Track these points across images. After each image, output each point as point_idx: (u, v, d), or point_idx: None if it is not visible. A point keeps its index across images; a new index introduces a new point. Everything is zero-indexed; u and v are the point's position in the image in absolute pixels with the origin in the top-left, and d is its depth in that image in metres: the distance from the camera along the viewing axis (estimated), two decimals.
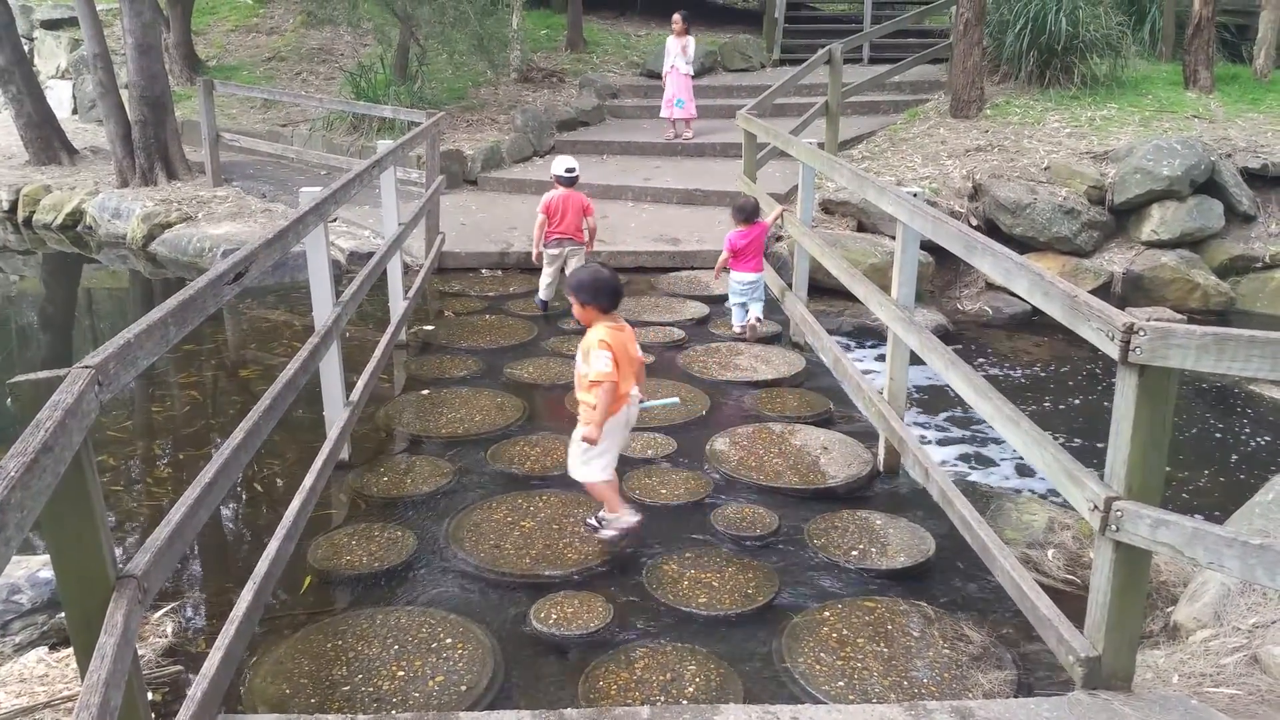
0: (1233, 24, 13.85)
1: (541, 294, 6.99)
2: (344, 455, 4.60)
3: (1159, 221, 8.55)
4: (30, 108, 11.80)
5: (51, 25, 15.42)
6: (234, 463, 2.96)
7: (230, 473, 2.93)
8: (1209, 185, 8.72)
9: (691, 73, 11.42)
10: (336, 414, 4.47)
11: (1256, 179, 8.94)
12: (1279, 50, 13.10)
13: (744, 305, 6.46)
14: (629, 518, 3.87)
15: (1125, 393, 2.58)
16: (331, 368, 4.41)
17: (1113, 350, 2.55)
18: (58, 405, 1.94)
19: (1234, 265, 8.61)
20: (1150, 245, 8.58)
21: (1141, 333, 2.47)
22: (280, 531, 3.41)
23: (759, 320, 6.42)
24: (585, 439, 3.72)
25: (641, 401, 3.98)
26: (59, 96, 14.68)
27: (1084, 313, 2.72)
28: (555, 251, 6.85)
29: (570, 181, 6.81)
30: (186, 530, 2.53)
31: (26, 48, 13.70)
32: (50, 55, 15.38)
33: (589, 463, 3.84)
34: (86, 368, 2.14)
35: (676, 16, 11.31)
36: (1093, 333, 2.67)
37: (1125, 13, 12.39)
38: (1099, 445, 5.61)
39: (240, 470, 3.08)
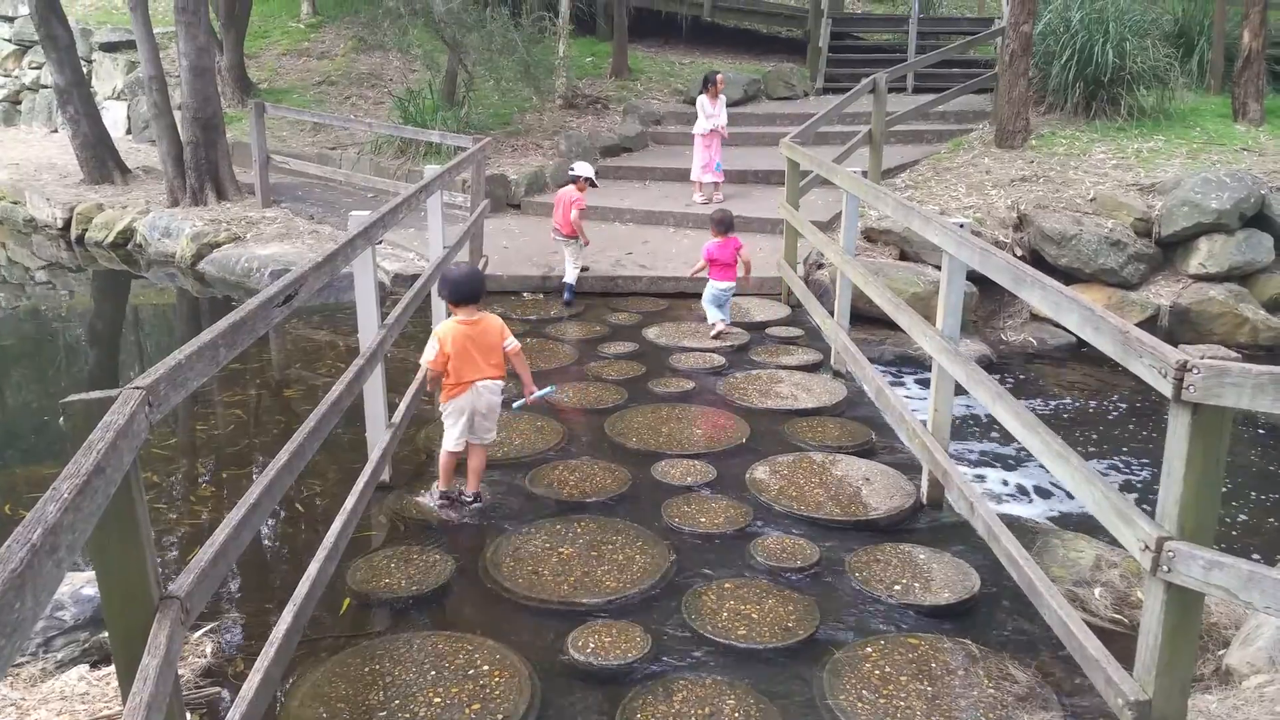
0: None
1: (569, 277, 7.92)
2: (385, 477, 4.63)
3: (1207, 254, 8.40)
4: (86, 128, 12.12)
5: (109, 48, 15.84)
6: (278, 484, 2.98)
7: (274, 494, 2.95)
8: (1258, 218, 8.55)
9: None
10: (379, 435, 4.51)
11: None
12: None
13: (719, 306, 7.07)
14: (437, 495, 4.49)
15: (1178, 431, 2.53)
16: (375, 389, 4.45)
17: (1165, 388, 2.50)
18: (109, 426, 1.96)
19: None
20: (1198, 279, 8.43)
21: (1195, 371, 2.42)
22: (320, 553, 3.43)
23: (723, 324, 7.03)
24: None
25: (520, 401, 4.70)
26: (114, 117, 15.06)
27: (1136, 349, 2.67)
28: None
29: (571, 180, 7.85)
30: (230, 551, 2.55)
31: (85, 69, 14.07)
32: (107, 76, 15.78)
33: (447, 433, 4.46)
34: (138, 389, 2.16)
35: (720, 76, 10.56)
36: (1145, 369, 2.62)
37: (1173, 45, 12.25)
38: (1146, 480, 5.54)
39: (284, 490, 3.11)
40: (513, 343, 4.47)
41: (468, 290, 4.36)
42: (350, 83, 14.69)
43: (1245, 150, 10.05)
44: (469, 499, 4.49)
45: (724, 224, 7.06)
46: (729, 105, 13.76)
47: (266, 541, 4.56)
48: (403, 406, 4.86)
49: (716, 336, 6.97)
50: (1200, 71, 13.20)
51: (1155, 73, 11.20)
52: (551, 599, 3.74)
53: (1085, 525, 4.88)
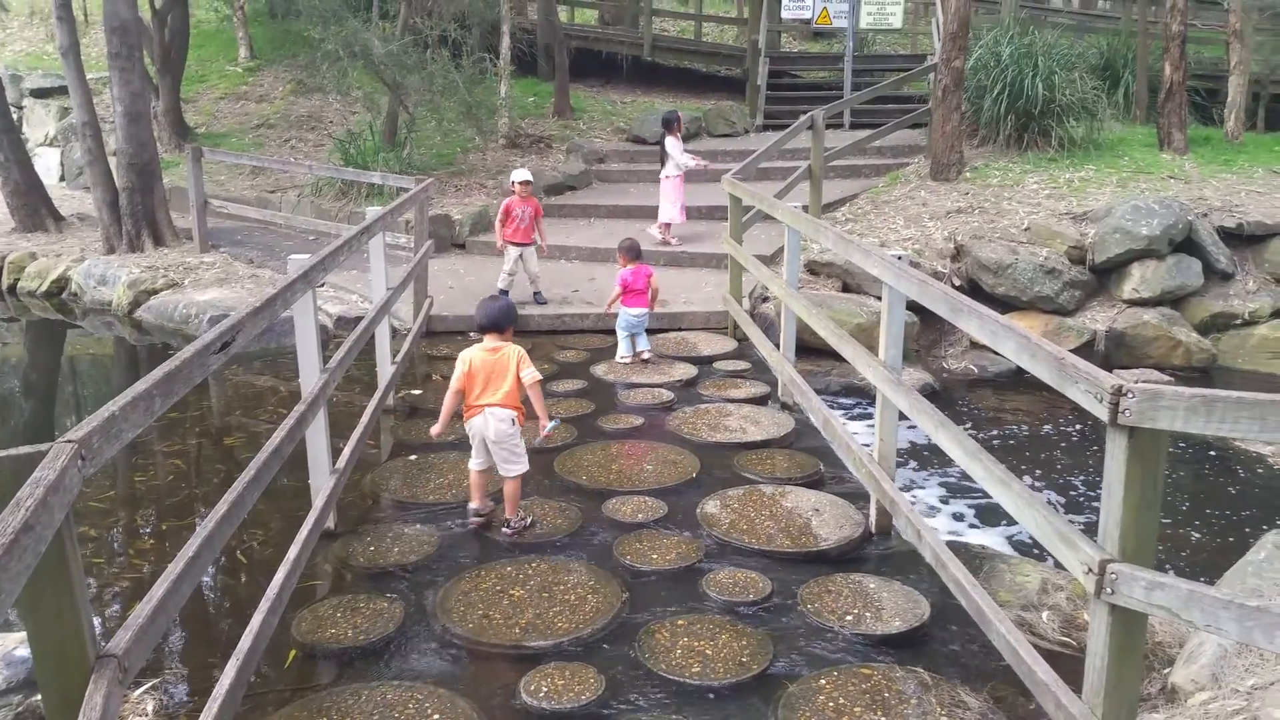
0: (1203, 88, 14.24)
1: (501, 284, 8.31)
2: (330, 524, 4.54)
3: (1140, 280, 8.65)
4: (17, 175, 11.85)
5: (41, 93, 15.57)
6: (218, 535, 2.91)
7: (214, 545, 2.88)
8: (1187, 244, 8.85)
9: None
10: (322, 482, 4.43)
11: (1232, 238, 9.08)
12: (1248, 113, 13.46)
13: (631, 338, 7.29)
14: (473, 515, 4.71)
15: (1115, 455, 2.58)
16: (318, 435, 4.38)
17: (1102, 412, 2.55)
18: (39, 482, 1.91)
19: (1214, 322, 8.70)
20: (1132, 303, 8.67)
21: (1130, 395, 2.47)
22: (264, 605, 3.35)
23: (648, 352, 7.27)
24: (433, 433, 4.83)
25: (538, 439, 4.94)
26: (47, 164, 14.77)
27: (1071, 375, 2.73)
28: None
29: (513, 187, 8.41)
30: (169, 606, 2.48)
31: (15, 116, 13.80)
32: (39, 123, 15.50)
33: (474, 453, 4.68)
34: (69, 442, 2.11)
35: (682, 115, 10.25)
36: (1081, 394, 2.68)
37: (1100, 77, 12.71)
38: (1088, 503, 5.64)
39: (224, 542, 3.03)
40: (530, 374, 4.55)
41: (489, 320, 4.62)
42: (290, 125, 14.59)
43: (1172, 178, 10.41)
44: (509, 529, 4.60)
45: (633, 251, 7.33)
46: None
47: (209, 594, 4.44)
48: (347, 451, 4.78)
49: (631, 360, 7.23)
50: (1126, 103, 13.71)
51: (1084, 105, 11.59)
52: (503, 643, 3.69)
53: (1031, 549, 4.97)
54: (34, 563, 1.78)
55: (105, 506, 5.24)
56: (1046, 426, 7.09)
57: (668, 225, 10.13)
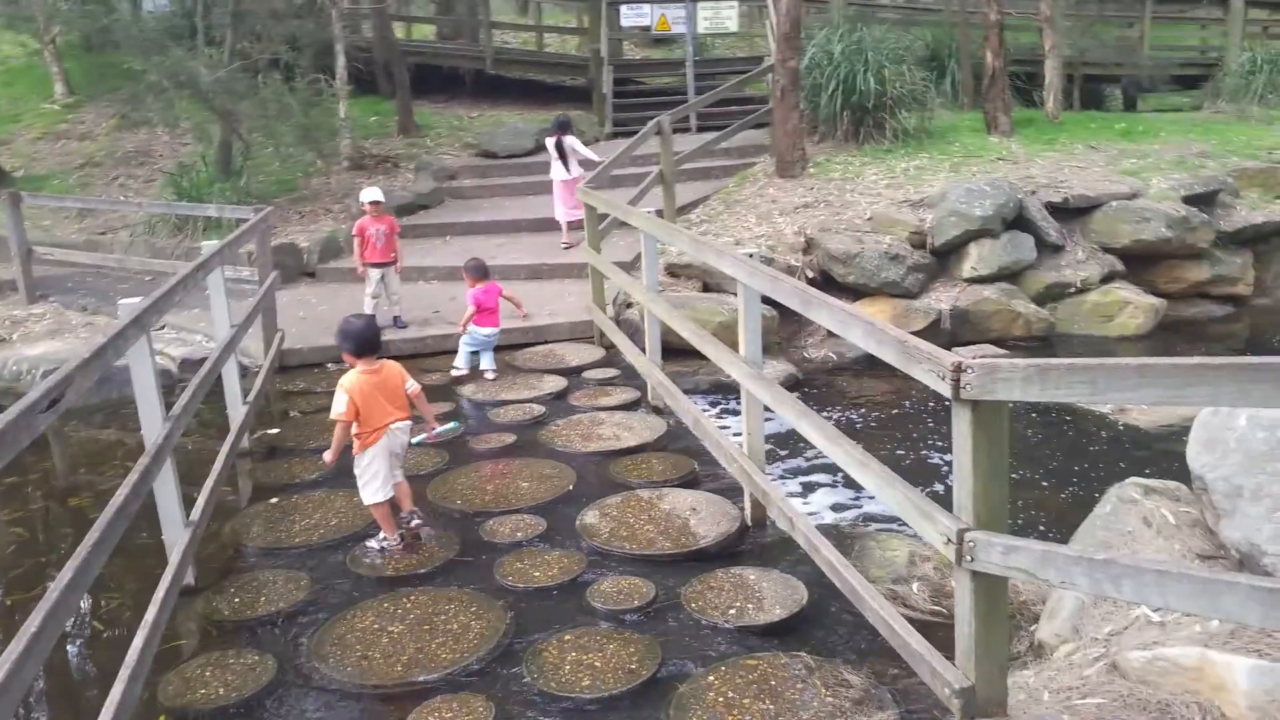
0: (1023, 72, 15.10)
1: (367, 309, 8.01)
2: (189, 579, 4.30)
3: (977, 259, 9.10)
4: None
5: None
6: (63, 605, 2.72)
7: (60, 617, 2.70)
8: (1019, 221, 9.35)
9: None
10: (177, 536, 4.19)
11: (1060, 212, 9.64)
12: (1065, 94, 14.38)
13: (476, 353, 7.36)
14: (393, 542, 4.56)
15: (961, 428, 2.70)
16: (167, 487, 4.14)
17: (945, 389, 2.66)
18: None
19: (1050, 293, 9.21)
20: (972, 281, 9.10)
21: (969, 370, 2.59)
22: (124, 673, 3.15)
23: (492, 371, 7.29)
24: (324, 458, 4.61)
25: (420, 436, 4.91)
26: None
27: (915, 356, 2.84)
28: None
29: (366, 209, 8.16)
30: (13, 688, 2.31)
31: None
32: None
33: (365, 487, 4.53)
34: None
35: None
36: (925, 374, 2.79)
37: (927, 68, 13.31)
38: (946, 475, 5.89)
39: (72, 612, 2.84)
40: (413, 385, 4.64)
41: (369, 341, 4.54)
42: (117, 162, 13.83)
43: (1000, 159, 11.00)
44: (411, 520, 4.65)
45: (479, 270, 7.40)
46: (523, 155, 13.97)
47: (69, 666, 4.15)
48: (201, 501, 4.55)
49: (466, 374, 7.31)
50: (954, 91, 14.39)
51: (914, 95, 12.12)
52: (385, 682, 3.57)
53: (899, 524, 5.15)
54: None
55: None
56: (904, 404, 7.38)
57: (569, 227, 10.18)
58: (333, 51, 13.15)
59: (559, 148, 10.11)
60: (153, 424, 4.07)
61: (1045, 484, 5.92)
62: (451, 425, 5.32)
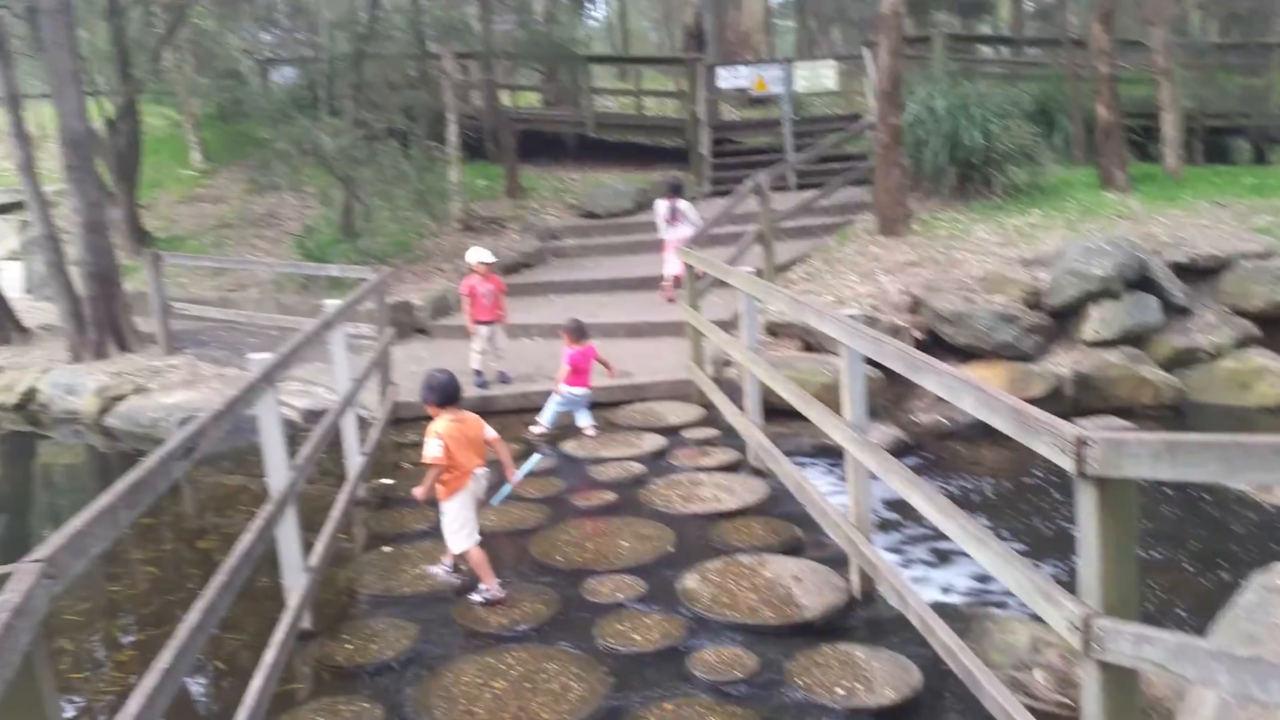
0: (1139, 126, 14.66)
1: (474, 364, 8.31)
2: (306, 624, 4.44)
3: (1099, 321, 8.64)
4: None
5: (2, 209, 15.51)
6: (192, 644, 2.86)
7: (188, 656, 2.83)
8: (1142, 282, 8.85)
9: None
10: (296, 580, 4.33)
11: (1185, 272, 9.15)
12: (1186, 147, 13.89)
13: (565, 412, 7.46)
14: (496, 592, 4.68)
15: (1086, 506, 2.56)
16: (289, 533, 4.30)
17: (1068, 464, 2.55)
18: (4, 606, 1.88)
19: (1179, 358, 8.68)
20: (1094, 345, 8.62)
21: (1093, 445, 2.47)
22: (242, 715, 3.27)
23: (592, 428, 7.35)
24: (414, 493, 4.84)
25: (505, 487, 5.13)
26: (11, 277, 14.69)
27: (1034, 427, 2.72)
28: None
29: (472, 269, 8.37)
30: None
31: None
32: (2, 237, 15.45)
33: (454, 535, 4.79)
34: (36, 561, 2.09)
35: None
36: (1045, 447, 2.68)
37: (1036, 123, 13.03)
38: (1070, 553, 5.60)
39: (198, 651, 2.96)
40: (491, 432, 4.97)
41: (452, 393, 4.89)
42: (248, 224, 14.61)
43: (1119, 217, 10.64)
44: (452, 569, 4.92)
45: (578, 331, 7.52)
46: (622, 215, 14.25)
47: (194, 700, 4.30)
48: (320, 547, 4.70)
49: (547, 431, 7.37)
50: (1065, 146, 14.05)
51: (1023, 150, 11.88)
52: None
53: (1018, 605, 4.91)
54: (1, 689, 1.73)
55: (81, 620, 5.09)
56: (1020, 476, 7.05)
57: (675, 278, 10.27)
58: (445, 120, 13.71)
59: (671, 210, 10.43)
60: (278, 472, 4.24)
61: (1181, 566, 5.54)
62: (533, 458, 5.57)
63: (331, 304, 6.53)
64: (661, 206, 10.62)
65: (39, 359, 11.00)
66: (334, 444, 5.84)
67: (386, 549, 5.42)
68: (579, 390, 7.42)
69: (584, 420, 7.44)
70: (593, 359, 7.51)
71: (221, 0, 15.33)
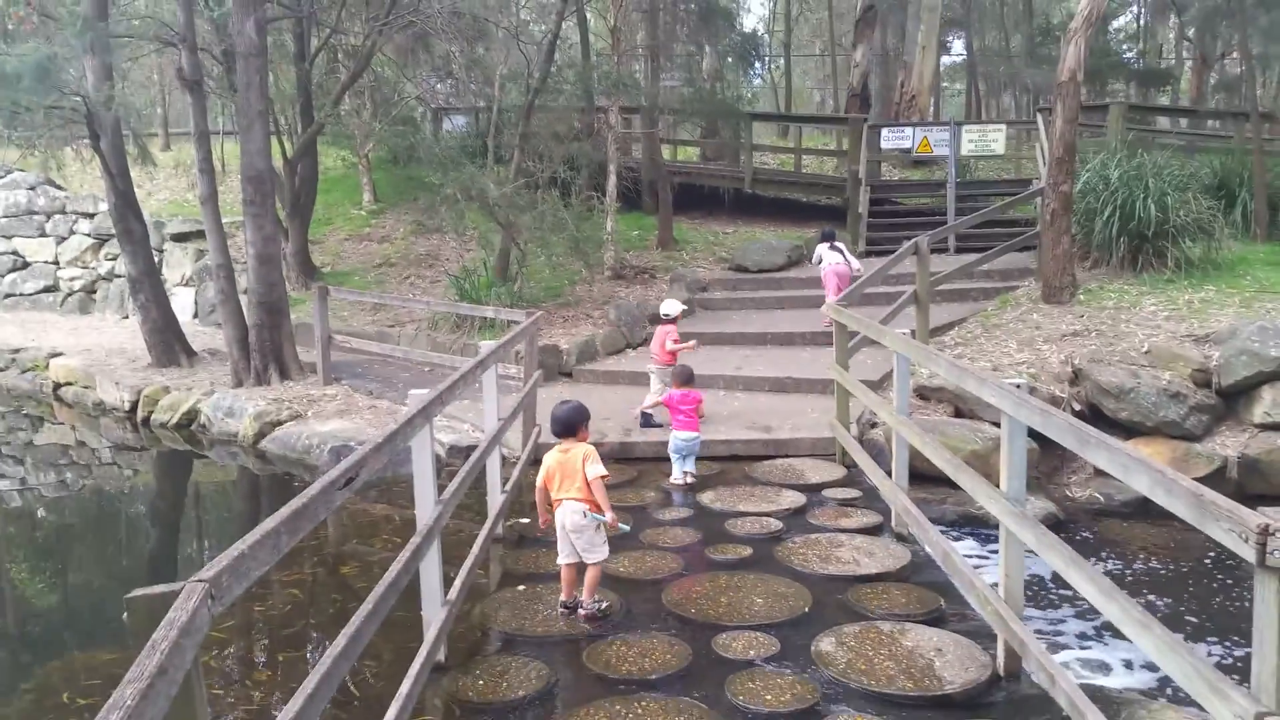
0: None
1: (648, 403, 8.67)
2: (440, 656, 4.54)
3: (1272, 403, 8.18)
4: (155, 314, 12.69)
5: (180, 238, 16.78)
6: (336, 671, 2.95)
7: (332, 682, 2.92)
8: None
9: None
10: (434, 613, 4.45)
11: None
12: None
13: (682, 458, 7.48)
14: (561, 608, 5.07)
15: (1265, 598, 2.41)
16: (431, 566, 4.42)
17: (1248, 553, 2.40)
18: (173, 624, 1.95)
19: None
20: (1264, 428, 8.17)
21: (1279, 534, 2.33)
22: None
23: (692, 475, 7.45)
24: (541, 525, 5.33)
25: (588, 514, 5.08)
26: (182, 303, 15.81)
27: (1212, 513, 2.58)
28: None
29: (663, 319, 9.01)
30: None
31: (156, 258, 14.86)
32: (176, 264, 16.66)
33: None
34: (200, 582, 2.17)
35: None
36: (1223, 534, 2.53)
37: (1214, 197, 12.38)
38: (1234, 644, 5.23)
39: (341, 678, 3.06)
40: (594, 471, 4.99)
41: (562, 424, 5.16)
42: (409, 263, 15.34)
43: None
44: (583, 610, 5.02)
45: (683, 376, 7.63)
46: (773, 271, 14.27)
47: None
48: (459, 581, 4.81)
49: (680, 482, 7.43)
50: (1245, 222, 13.27)
51: (1199, 224, 11.30)
52: None
53: (1174, 692, 4.61)
54: (165, 708, 1.80)
55: (224, 637, 5.36)
56: (1181, 560, 6.67)
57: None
58: (605, 171, 14.09)
59: (832, 248, 11.48)
60: (426, 506, 4.38)
61: None
62: (624, 528, 5.52)
63: (486, 344, 6.76)
64: (821, 249, 11.60)
65: (203, 382, 11.77)
66: (477, 480, 6.00)
67: (521, 588, 5.50)
68: (685, 435, 7.47)
69: (688, 466, 7.50)
70: (697, 403, 7.55)
71: (402, 50, 16.27)
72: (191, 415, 11.03)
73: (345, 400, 10.52)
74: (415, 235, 16.05)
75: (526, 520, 6.75)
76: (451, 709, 4.24)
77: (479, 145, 14.91)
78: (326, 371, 11.17)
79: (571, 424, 5.15)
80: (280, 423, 9.96)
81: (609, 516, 5.04)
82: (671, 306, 9.09)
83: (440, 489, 4.67)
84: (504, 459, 7.26)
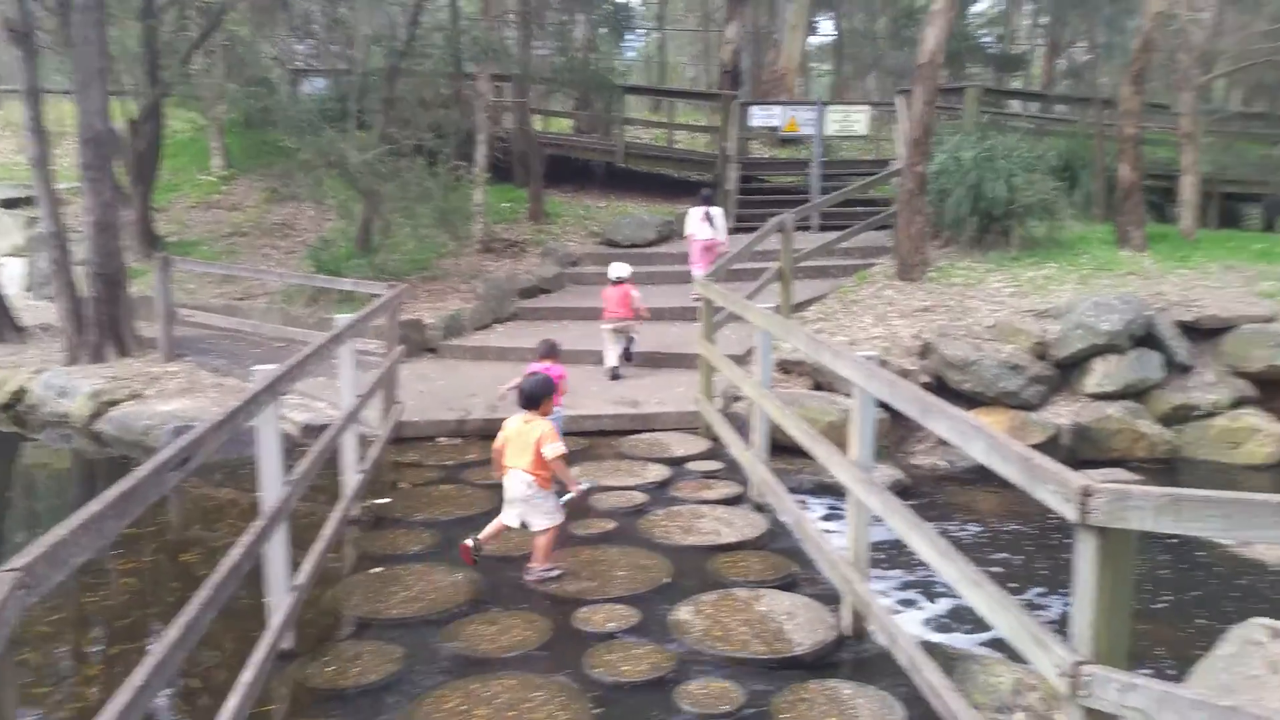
0: (1158, 187, 14.71)
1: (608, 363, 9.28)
2: (287, 644, 4.37)
3: (1102, 375, 8.76)
4: None
5: (9, 204, 15.66)
6: (169, 661, 2.80)
7: (165, 672, 2.77)
8: (1148, 338, 9.02)
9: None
10: (280, 599, 4.28)
11: (1191, 331, 9.29)
12: (1202, 211, 13.91)
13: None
14: (470, 540, 5.22)
15: (1085, 555, 2.56)
16: (278, 551, 4.25)
17: (1070, 513, 2.53)
18: None
19: (1176, 414, 8.80)
20: (1095, 397, 8.76)
21: (1098, 495, 2.46)
22: None
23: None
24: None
25: (566, 495, 5.38)
26: (12, 273, 14.71)
27: (1040, 476, 2.71)
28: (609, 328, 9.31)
29: (614, 283, 9.52)
30: None
31: None
32: (5, 233, 15.51)
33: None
34: (11, 571, 2.03)
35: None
36: (1049, 495, 2.66)
37: (1059, 178, 13.08)
38: (1060, 600, 5.56)
39: (176, 668, 2.91)
40: (550, 450, 5.09)
41: (527, 396, 5.27)
42: (262, 233, 14.69)
43: (1131, 274, 10.65)
44: (530, 576, 5.19)
45: (541, 350, 7.47)
46: (644, 246, 14.32)
47: (165, 719, 4.24)
48: (308, 566, 4.65)
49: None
50: (1085, 202, 14.09)
51: (1044, 205, 11.93)
52: None
53: (1005, 648, 4.86)
54: None
55: (51, 631, 5.01)
56: (1016, 522, 7.05)
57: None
58: (474, 140, 13.80)
59: (705, 214, 11.72)
60: (272, 487, 4.19)
61: (1159, 617, 5.55)
62: (584, 484, 5.77)
63: (342, 318, 6.53)
64: (696, 212, 11.82)
65: (32, 359, 10.94)
66: (331, 461, 5.80)
67: (376, 570, 5.36)
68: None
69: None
70: (560, 377, 7.32)
71: (258, 7, 15.49)
72: (19, 395, 10.22)
73: (189, 378, 10.01)
74: (270, 203, 15.38)
75: (386, 500, 6.59)
76: (299, 697, 4.10)
77: (340, 110, 14.34)
78: (169, 348, 10.59)
79: (537, 397, 5.23)
80: (117, 402, 9.36)
81: (574, 491, 5.35)
82: (622, 269, 9.52)
83: (291, 470, 4.49)
84: (362, 438, 7.06)
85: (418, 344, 10.52)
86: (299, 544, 4.76)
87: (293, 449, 7.27)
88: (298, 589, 4.39)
